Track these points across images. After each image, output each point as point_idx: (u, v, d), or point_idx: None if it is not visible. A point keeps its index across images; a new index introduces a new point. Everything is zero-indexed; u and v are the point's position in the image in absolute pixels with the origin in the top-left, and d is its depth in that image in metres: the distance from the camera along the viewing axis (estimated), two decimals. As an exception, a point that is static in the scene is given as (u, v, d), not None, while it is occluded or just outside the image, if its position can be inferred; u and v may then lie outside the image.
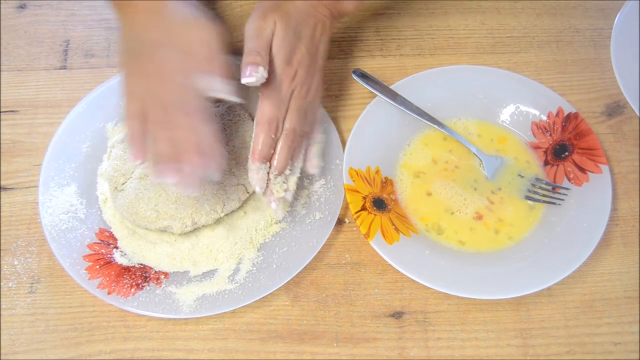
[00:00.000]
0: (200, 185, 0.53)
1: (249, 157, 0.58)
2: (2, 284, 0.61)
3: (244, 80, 0.55)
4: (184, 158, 0.52)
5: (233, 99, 0.55)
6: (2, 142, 0.69)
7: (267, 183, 0.58)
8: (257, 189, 0.57)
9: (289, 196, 0.59)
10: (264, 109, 0.57)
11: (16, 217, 0.64)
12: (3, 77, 0.73)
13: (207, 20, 0.57)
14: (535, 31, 0.78)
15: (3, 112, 0.71)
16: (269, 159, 0.58)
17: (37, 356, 0.57)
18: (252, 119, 0.67)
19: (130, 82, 0.56)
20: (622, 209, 0.65)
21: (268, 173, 0.58)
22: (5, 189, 0.66)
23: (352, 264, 0.62)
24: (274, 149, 0.58)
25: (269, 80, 0.57)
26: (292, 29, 0.59)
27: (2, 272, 0.61)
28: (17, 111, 0.71)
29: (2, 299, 0.60)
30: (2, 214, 0.65)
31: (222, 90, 0.54)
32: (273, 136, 0.57)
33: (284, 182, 0.59)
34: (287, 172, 0.59)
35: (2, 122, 0.70)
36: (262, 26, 0.58)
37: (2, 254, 0.62)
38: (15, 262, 0.62)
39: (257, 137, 0.57)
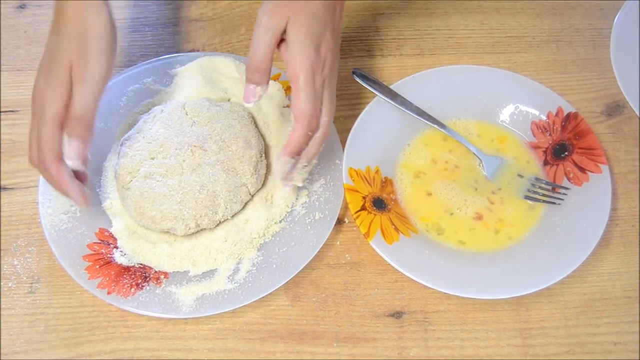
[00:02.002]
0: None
1: (281, 149, 0.56)
2: (2, 283, 0.61)
3: (246, 105, 0.56)
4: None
5: (75, 165, 0.56)
6: (2, 142, 0.69)
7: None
8: (278, 178, 0.58)
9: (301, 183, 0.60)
10: (302, 104, 0.54)
11: (16, 217, 0.64)
12: (3, 77, 0.73)
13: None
14: (535, 31, 0.78)
15: (3, 112, 0.71)
16: (300, 153, 0.57)
17: (37, 356, 0.57)
18: (254, 120, 0.67)
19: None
20: (621, 209, 0.65)
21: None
22: (5, 189, 0.66)
23: (351, 264, 0.62)
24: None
25: (303, 73, 0.54)
26: (313, 16, 0.54)
27: (2, 272, 0.61)
28: (17, 111, 0.71)
29: (2, 299, 0.60)
30: (2, 214, 0.65)
31: (67, 156, 0.55)
32: (310, 133, 0.55)
33: (305, 171, 0.59)
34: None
35: (2, 122, 0.70)
36: (268, 26, 0.54)
37: (2, 254, 0.62)
38: (15, 262, 0.62)
39: (295, 133, 0.55)
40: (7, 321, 0.59)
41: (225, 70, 0.70)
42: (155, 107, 0.66)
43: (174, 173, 0.60)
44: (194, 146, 0.62)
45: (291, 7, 0.54)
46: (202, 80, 0.69)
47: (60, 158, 0.55)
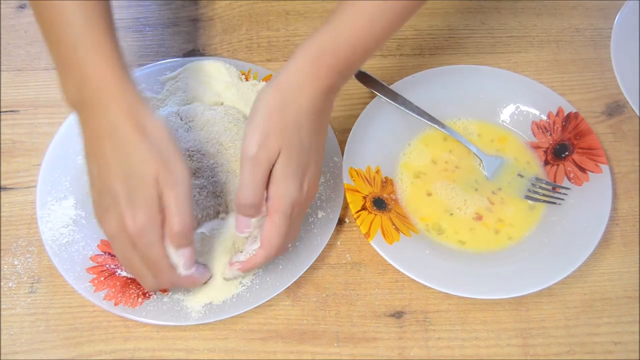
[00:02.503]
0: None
1: (235, 259, 0.56)
2: (2, 283, 0.61)
3: (240, 236, 0.55)
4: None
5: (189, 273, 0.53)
6: (2, 142, 0.69)
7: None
8: (227, 277, 0.58)
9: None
10: (273, 239, 0.53)
11: (16, 217, 0.64)
12: (3, 77, 0.73)
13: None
14: (536, 31, 0.78)
15: (3, 112, 0.71)
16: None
17: (37, 356, 0.57)
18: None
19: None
20: (622, 209, 0.65)
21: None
22: (5, 189, 0.66)
23: (352, 264, 0.62)
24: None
25: (282, 210, 0.52)
26: (301, 148, 0.52)
27: (2, 272, 0.61)
28: (17, 111, 0.71)
29: (2, 299, 0.60)
30: (2, 214, 0.65)
31: (183, 267, 0.52)
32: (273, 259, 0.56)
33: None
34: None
35: (2, 122, 0.70)
36: (259, 159, 0.50)
37: (2, 254, 0.62)
38: (16, 262, 0.62)
39: (257, 258, 0.54)
40: (8, 321, 0.59)
41: (216, 74, 0.70)
42: None
43: None
44: (192, 151, 0.61)
45: (282, 139, 0.51)
46: (194, 85, 0.68)
47: (175, 268, 0.52)
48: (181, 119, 0.64)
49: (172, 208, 0.49)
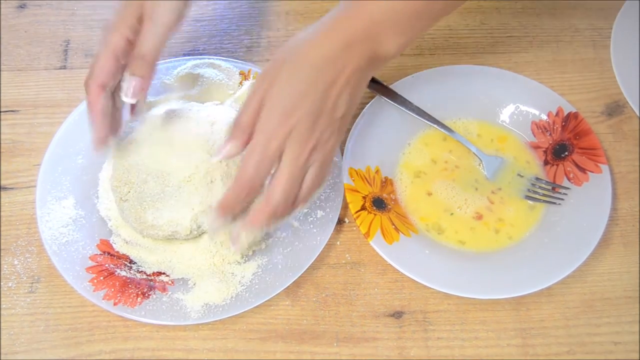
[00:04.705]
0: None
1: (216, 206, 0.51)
2: (2, 283, 0.61)
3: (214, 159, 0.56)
4: None
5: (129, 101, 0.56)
6: (2, 142, 0.69)
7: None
8: (210, 232, 0.57)
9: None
10: (245, 167, 0.49)
11: (16, 217, 0.64)
12: (3, 77, 0.73)
13: None
14: (535, 31, 0.78)
15: (3, 112, 0.71)
16: (234, 217, 0.51)
17: (37, 356, 0.57)
18: None
19: None
20: (622, 209, 0.65)
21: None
22: (5, 189, 0.66)
23: (352, 264, 0.62)
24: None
25: (258, 134, 0.49)
26: (299, 80, 0.49)
27: (2, 272, 0.61)
28: (17, 111, 0.71)
29: (2, 299, 0.60)
30: (2, 214, 0.65)
31: (123, 92, 0.56)
32: (248, 199, 0.50)
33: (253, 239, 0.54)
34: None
35: (2, 122, 0.70)
36: (260, 83, 0.51)
37: (2, 254, 0.62)
38: (15, 262, 0.62)
39: (230, 192, 0.50)
40: (7, 321, 0.59)
41: (211, 73, 0.70)
42: (146, 115, 0.65)
43: (170, 179, 0.60)
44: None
45: (282, 67, 0.51)
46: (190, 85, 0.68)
47: (103, 87, 0.55)
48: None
49: (142, 34, 0.55)
